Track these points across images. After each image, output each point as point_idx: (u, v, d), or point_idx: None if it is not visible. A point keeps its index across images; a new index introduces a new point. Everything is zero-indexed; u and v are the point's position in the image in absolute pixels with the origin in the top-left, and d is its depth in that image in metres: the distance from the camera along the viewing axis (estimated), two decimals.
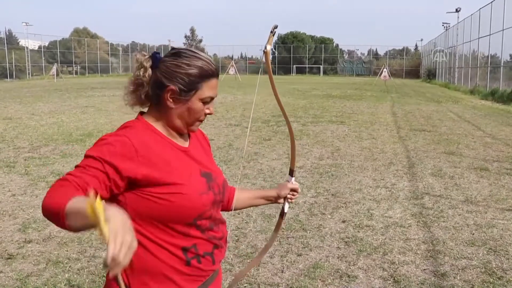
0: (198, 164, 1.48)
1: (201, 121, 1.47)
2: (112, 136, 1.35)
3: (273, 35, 1.63)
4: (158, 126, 1.44)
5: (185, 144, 1.49)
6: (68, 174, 1.26)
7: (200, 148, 1.56)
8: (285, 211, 1.82)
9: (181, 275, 1.40)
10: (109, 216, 0.98)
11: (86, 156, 1.30)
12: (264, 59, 1.69)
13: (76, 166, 1.29)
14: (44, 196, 1.20)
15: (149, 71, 1.41)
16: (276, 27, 1.64)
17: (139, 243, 1.33)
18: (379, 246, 4.09)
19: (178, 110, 1.41)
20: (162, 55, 1.44)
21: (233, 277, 3.47)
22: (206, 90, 1.41)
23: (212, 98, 1.45)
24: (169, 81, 1.38)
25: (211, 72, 1.42)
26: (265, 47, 1.63)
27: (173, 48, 1.44)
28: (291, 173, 1.81)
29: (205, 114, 1.46)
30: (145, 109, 1.49)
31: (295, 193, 1.80)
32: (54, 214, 1.12)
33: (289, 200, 1.79)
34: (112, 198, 1.33)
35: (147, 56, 1.42)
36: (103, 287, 1.49)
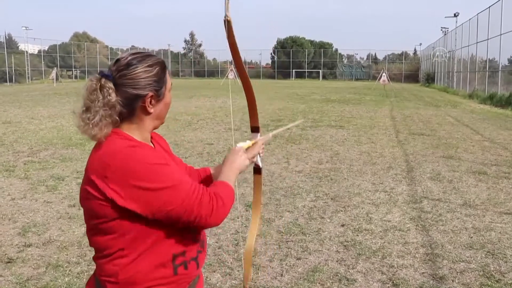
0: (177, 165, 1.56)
1: None
2: (141, 157, 1.35)
3: (228, 1, 1.48)
4: (136, 136, 1.43)
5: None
6: (197, 195, 1.38)
7: (163, 151, 1.58)
8: (260, 166, 1.85)
9: (168, 285, 1.43)
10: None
11: (166, 187, 1.35)
12: (226, 30, 1.51)
13: (180, 193, 1.36)
14: (215, 213, 1.41)
15: (114, 91, 1.38)
16: None
17: (126, 256, 1.37)
18: (378, 249, 4.11)
19: (156, 111, 1.46)
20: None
21: (234, 280, 3.48)
22: (168, 78, 1.48)
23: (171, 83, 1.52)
24: (143, 89, 1.39)
25: (163, 62, 1.47)
26: (226, 15, 1.47)
27: (117, 60, 1.41)
28: (257, 130, 1.81)
29: None
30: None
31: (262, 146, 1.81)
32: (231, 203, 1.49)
33: (260, 154, 1.81)
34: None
35: (103, 79, 1.38)
36: None
